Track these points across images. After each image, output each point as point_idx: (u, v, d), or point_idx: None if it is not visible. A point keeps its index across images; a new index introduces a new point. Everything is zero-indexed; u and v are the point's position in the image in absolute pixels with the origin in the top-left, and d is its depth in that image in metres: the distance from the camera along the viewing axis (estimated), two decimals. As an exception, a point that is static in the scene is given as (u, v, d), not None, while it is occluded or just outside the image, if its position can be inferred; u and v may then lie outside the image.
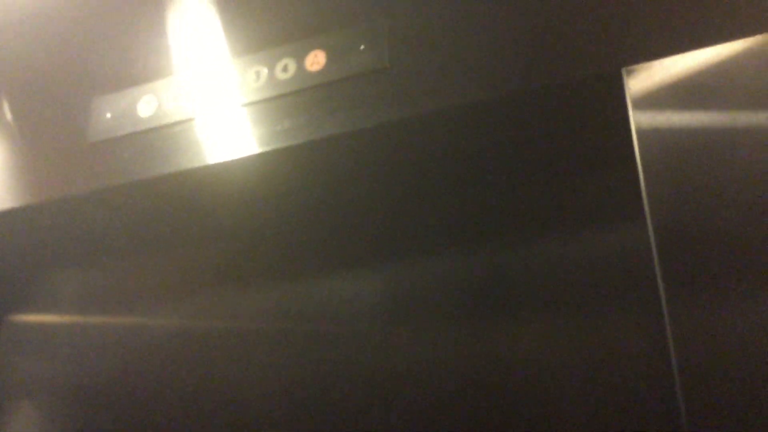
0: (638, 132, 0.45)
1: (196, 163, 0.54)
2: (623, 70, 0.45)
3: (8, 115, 0.62)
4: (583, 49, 0.46)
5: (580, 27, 0.46)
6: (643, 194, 0.44)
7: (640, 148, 0.45)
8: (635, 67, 0.45)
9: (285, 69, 0.54)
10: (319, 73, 0.53)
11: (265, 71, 0.54)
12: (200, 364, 0.64)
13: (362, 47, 0.52)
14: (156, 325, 0.67)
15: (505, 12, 0.48)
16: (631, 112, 0.45)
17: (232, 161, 0.53)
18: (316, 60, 0.53)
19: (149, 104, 0.57)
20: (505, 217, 0.55)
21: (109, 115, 0.58)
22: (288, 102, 0.53)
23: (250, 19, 0.56)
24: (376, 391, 0.55)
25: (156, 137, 0.56)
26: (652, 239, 0.41)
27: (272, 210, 0.61)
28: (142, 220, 0.59)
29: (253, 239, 0.62)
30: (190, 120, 0.55)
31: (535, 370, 0.50)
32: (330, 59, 0.53)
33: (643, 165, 0.45)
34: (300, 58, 0.54)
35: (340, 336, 0.58)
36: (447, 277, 0.56)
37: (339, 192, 0.57)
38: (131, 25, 0.61)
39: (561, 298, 0.51)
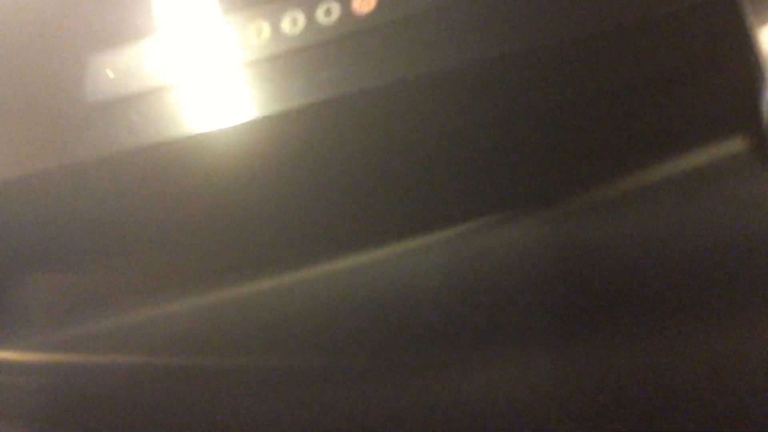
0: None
1: (226, 123, 0.45)
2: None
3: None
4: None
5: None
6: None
7: None
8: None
9: (328, 12, 0.46)
10: (371, 14, 0.45)
11: (302, 17, 0.46)
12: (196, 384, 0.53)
13: (421, -15, 0.45)
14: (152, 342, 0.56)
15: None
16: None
17: (265, 118, 0.45)
18: (364, 2, 0.45)
19: (162, 60, 0.49)
20: (594, 183, 0.47)
21: (111, 74, 0.49)
22: (333, 49, 0.45)
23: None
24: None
25: (170, 97, 0.47)
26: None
27: (297, 185, 0.52)
28: (150, 197, 0.50)
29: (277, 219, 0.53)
30: (216, 75, 0.46)
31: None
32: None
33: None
34: (345, 2, 0.46)
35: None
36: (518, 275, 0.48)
37: (387, 154, 0.49)
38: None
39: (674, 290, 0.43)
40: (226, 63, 0.47)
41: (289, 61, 0.46)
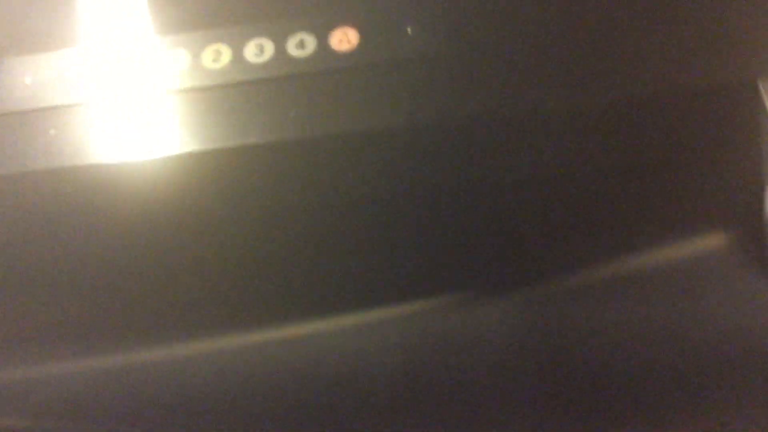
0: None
1: (158, 154, 0.38)
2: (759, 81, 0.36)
3: None
4: (715, 56, 0.37)
5: (713, 31, 0.37)
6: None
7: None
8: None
9: (301, 45, 0.40)
10: (351, 54, 0.40)
11: (270, 45, 0.40)
12: None
13: (409, 30, 0.40)
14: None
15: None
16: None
17: (223, 149, 0.38)
18: (345, 38, 0.40)
19: (94, 73, 0.41)
20: (585, 253, 0.42)
21: (29, 80, 0.41)
22: (305, 84, 0.40)
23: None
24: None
25: (96, 116, 0.40)
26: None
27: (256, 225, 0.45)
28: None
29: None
30: (166, 96, 0.39)
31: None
32: (365, 39, 0.40)
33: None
34: (323, 34, 0.40)
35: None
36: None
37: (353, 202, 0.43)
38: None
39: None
40: (174, 86, 0.40)
41: (249, 92, 0.40)
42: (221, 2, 0.42)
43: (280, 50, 0.40)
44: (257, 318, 0.43)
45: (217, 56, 0.40)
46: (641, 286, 0.41)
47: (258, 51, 0.40)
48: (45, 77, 0.41)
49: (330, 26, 0.41)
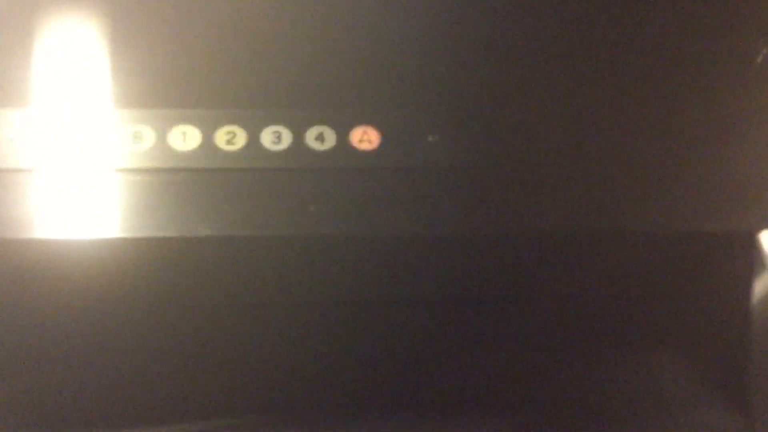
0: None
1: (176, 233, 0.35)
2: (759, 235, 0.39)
3: None
4: (715, 204, 0.39)
5: (715, 180, 0.40)
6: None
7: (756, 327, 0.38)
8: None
9: (320, 138, 0.39)
10: (372, 153, 0.39)
11: (288, 134, 0.39)
12: None
13: (430, 138, 0.40)
14: None
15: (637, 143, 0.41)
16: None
17: (235, 237, 0.35)
18: (365, 137, 0.40)
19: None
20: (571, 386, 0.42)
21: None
22: (322, 179, 0.38)
23: (273, 69, 0.41)
24: None
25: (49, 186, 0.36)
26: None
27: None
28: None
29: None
30: (180, 170, 0.37)
31: None
32: (386, 140, 0.40)
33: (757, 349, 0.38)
34: (343, 130, 0.40)
35: None
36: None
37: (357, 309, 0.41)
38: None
39: None
40: (184, 164, 0.37)
41: (261, 179, 0.38)
42: (239, 83, 0.40)
43: (299, 140, 0.39)
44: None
45: (232, 138, 0.38)
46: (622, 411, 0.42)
47: (275, 138, 0.39)
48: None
49: (351, 123, 0.40)
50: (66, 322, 0.41)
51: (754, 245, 0.38)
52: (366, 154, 0.39)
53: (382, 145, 0.39)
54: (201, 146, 0.38)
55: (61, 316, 0.41)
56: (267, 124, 0.39)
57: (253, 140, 0.38)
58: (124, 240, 0.36)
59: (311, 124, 0.39)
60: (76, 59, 0.39)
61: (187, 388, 0.42)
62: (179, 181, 0.37)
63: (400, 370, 0.42)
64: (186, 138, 0.38)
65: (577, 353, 0.43)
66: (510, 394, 0.43)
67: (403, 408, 0.42)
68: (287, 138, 0.39)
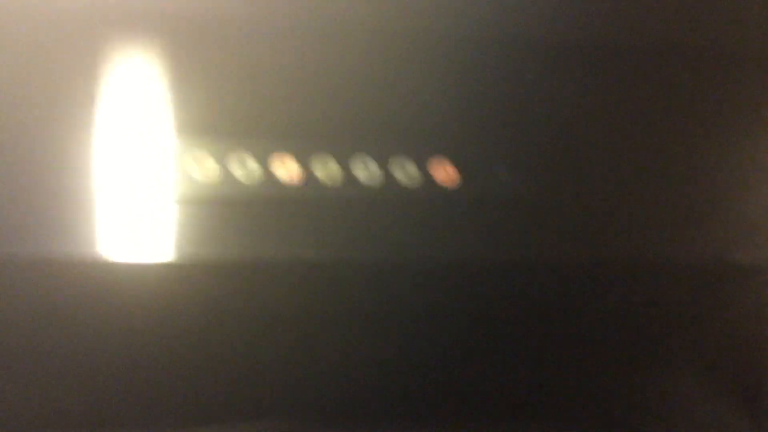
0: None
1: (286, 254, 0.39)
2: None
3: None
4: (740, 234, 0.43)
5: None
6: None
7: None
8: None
9: (404, 170, 0.42)
10: (450, 188, 0.42)
11: (374, 166, 0.42)
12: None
13: (507, 174, 0.43)
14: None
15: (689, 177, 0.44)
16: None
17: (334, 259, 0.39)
18: (445, 172, 0.43)
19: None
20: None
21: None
22: (408, 211, 0.42)
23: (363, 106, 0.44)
24: None
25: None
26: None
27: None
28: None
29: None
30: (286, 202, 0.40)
31: None
32: (464, 176, 0.43)
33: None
34: (422, 163, 0.43)
35: None
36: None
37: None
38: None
39: None
40: (283, 194, 0.41)
41: (356, 208, 0.41)
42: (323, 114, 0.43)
43: (385, 172, 0.42)
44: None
45: (324, 167, 0.41)
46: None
47: (363, 170, 0.42)
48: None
49: (431, 158, 0.43)
50: (147, 335, 0.44)
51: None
52: (446, 188, 0.42)
53: (461, 179, 0.43)
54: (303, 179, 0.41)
55: (144, 330, 0.44)
56: (356, 151, 0.42)
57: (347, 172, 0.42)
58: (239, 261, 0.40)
59: (394, 155, 0.42)
60: (161, 96, 0.42)
61: (243, 392, 0.46)
62: (284, 209, 0.40)
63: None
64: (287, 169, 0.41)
65: (612, 369, 0.48)
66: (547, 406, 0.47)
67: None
68: (374, 171, 0.42)
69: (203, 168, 0.40)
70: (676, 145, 0.45)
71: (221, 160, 0.40)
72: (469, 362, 0.45)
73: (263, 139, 0.41)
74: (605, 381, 0.48)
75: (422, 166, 0.42)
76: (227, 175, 0.40)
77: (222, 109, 0.40)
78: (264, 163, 0.41)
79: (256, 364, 0.44)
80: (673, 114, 0.45)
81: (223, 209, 0.40)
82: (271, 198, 0.40)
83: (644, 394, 0.48)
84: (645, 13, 0.43)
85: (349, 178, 0.41)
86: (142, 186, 0.39)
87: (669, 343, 0.48)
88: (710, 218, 0.44)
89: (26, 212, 0.38)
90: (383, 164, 0.42)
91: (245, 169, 0.40)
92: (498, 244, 0.42)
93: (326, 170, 0.41)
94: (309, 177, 0.41)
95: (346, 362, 0.45)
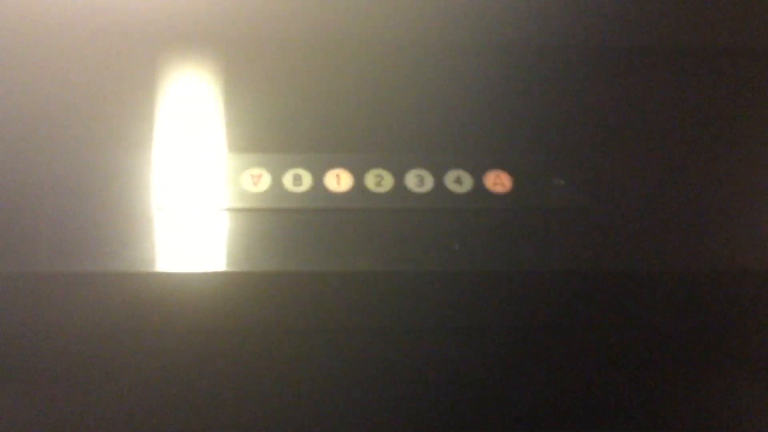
0: None
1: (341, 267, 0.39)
2: None
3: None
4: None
5: None
6: None
7: None
8: None
9: (458, 181, 0.43)
10: (505, 196, 0.43)
11: (430, 178, 0.43)
12: None
13: (561, 182, 0.43)
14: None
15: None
16: None
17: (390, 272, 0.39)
18: (499, 180, 0.43)
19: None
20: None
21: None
22: (462, 220, 0.42)
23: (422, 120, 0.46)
24: None
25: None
26: None
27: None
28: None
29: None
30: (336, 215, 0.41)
31: None
32: (517, 185, 0.43)
33: None
34: (478, 174, 0.43)
35: None
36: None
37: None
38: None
39: None
40: (339, 204, 0.42)
41: (408, 219, 0.42)
42: (381, 129, 0.44)
43: (439, 183, 0.43)
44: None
45: (380, 181, 0.42)
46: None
47: (419, 181, 0.43)
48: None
49: (485, 167, 0.43)
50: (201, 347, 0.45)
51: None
52: (499, 196, 0.43)
53: (513, 187, 0.43)
54: (353, 188, 0.42)
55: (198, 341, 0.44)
56: (412, 167, 0.43)
57: (399, 182, 0.42)
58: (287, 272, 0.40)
59: (450, 167, 0.43)
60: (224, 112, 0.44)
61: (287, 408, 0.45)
62: (337, 220, 0.41)
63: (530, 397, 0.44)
64: (340, 181, 0.42)
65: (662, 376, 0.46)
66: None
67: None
68: (429, 181, 0.43)
69: (258, 180, 0.41)
70: (730, 153, 0.45)
71: (276, 173, 0.41)
72: (521, 372, 0.43)
73: (317, 153, 0.42)
74: (651, 391, 0.45)
75: (478, 178, 0.43)
76: (280, 186, 0.41)
77: (277, 123, 0.42)
78: (317, 174, 0.42)
79: (309, 373, 0.42)
80: (724, 121, 0.46)
81: (279, 220, 0.40)
82: (324, 209, 0.41)
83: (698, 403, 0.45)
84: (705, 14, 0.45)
85: (403, 190, 0.42)
86: (197, 197, 0.41)
87: (725, 354, 0.45)
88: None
89: (83, 227, 0.39)
90: (438, 177, 0.43)
91: (299, 180, 0.41)
92: (552, 253, 0.42)
93: (377, 181, 0.42)
94: (361, 188, 0.42)
95: (399, 372, 0.43)
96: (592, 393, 0.47)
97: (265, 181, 0.42)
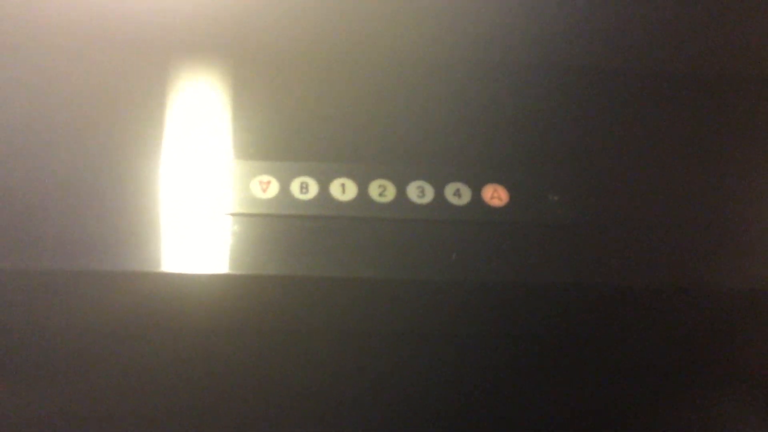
0: None
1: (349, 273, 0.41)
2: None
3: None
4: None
5: None
6: None
7: None
8: None
9: (458, 193, 0.45)
10: (501, 210, 0.45)
11: (430, 189, 0.45)
12: None
13: (555, 198, 0.45)
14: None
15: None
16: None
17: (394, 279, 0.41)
18: (496, 194, 0.45)
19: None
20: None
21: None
22: (459, 231, 0.44)
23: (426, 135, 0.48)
24: None
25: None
26: None
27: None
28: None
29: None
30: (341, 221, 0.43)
31: None
32: (514, 199, 0.45)
33: None
34: (476, 187, 0.45)
35: None
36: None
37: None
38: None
39: None
40: (345, 213, 0.44)
41: (408, 228, 0.44)
42: (385, 141, 0.46)
43: (439, 195, 0.45)
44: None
45: (383, 191, 0.44)
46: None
47: (420, 193, 0.45)
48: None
49: (483, 181, 0.45)
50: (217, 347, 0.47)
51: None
52: (496, 209, 0.45)
53: (510, 201, 0.45)
54: (357, 197, 0.44)
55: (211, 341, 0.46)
56: (413, 178, 0.45)
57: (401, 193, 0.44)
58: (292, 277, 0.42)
59: (450, 180, 0.45)
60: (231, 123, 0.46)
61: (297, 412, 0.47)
62: (341, 227, 0.43)
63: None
64: (345, 190, 0.44)
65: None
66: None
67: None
68: (430, 193, 0.45)
69: (267, 187, 0.43)
70: (730, 170, 0.47)
71: (283, 181, 0.43)
72: (516, 385, 0.45)
73: (324, 162, 0.44)
74: (643, 402, 0.47)
75: (476, 191, 0.45)
76: (288, 194, 0.43)
77: (286, 132, 0.44)
78: (324, 183, 0.44)
79: (311, 375, 0.44)
80: (725, 139, 0.48)
81: (286, 226, 0.42)
82: (329, 216, 0.43)
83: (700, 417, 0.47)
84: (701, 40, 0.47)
85: (404, 200, 0.44)
86: (209, 202, 0.43)
87: (721, 369, 0.47)
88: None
89: (95, 227, 0.41)
90: (438, 188, 0.45)
91: (305, 188, 0.43)
92: (545, 265, 0.44)
93: (380, 191, 0.44)
94: (365, 198, 0.44)
95: (401, 379, 0.45)
96: (586, 402, 0.49)
97: (273, 188, 0.44)
